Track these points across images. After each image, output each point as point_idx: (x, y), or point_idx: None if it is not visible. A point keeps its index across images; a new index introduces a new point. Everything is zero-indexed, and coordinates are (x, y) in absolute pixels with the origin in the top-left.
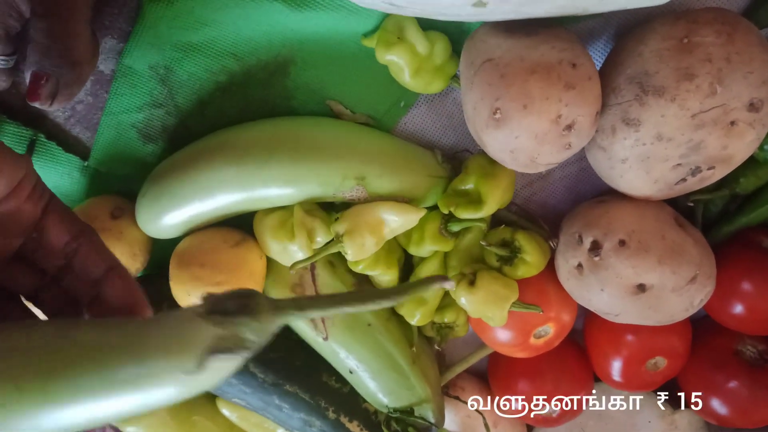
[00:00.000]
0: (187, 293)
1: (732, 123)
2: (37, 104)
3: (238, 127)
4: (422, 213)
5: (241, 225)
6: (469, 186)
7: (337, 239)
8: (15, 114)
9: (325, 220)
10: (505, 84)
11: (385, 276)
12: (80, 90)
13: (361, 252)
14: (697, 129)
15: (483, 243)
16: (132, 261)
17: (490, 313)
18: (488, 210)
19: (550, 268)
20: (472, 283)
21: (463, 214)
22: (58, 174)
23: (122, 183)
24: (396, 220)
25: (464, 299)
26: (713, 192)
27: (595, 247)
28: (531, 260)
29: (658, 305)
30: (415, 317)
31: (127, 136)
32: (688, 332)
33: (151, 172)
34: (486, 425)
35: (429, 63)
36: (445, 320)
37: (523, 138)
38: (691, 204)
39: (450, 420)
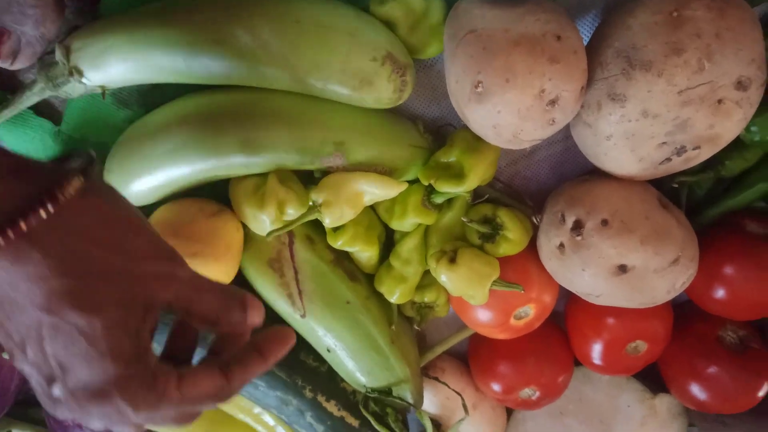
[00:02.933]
0: None
1: (719, 101)
2: None
3: (214, 90)
4: (403, 187)
5: (219, 198)
6: (452, 159)
7: (314, 207)
8: None
9: (298, 192)
10: (487, 57)
11: (365, 253)
12: (44, 49)
13: (338, 220)
14: (684, 106)
15: (464, 219)
16: None
17: (471, 291)
18: (470, 185)
19: (533, 249)
20: (452, 260)
21: (444, 187)
22: (29, 139)
23: (98, 150)
24: (375, 192)
25: (445, 277)
26: (698, 174)
27: (578, 227)
28: (513, 237)
29: (640, 286)
30: (395, 295)
31: (101, 100)
32: (669, 316)
33: (121, 135)
34: (464, 406)
35: (424, 22)
36: (426, 300)
37: (506, 113)
38: (676, 186)
39: (429, 401)
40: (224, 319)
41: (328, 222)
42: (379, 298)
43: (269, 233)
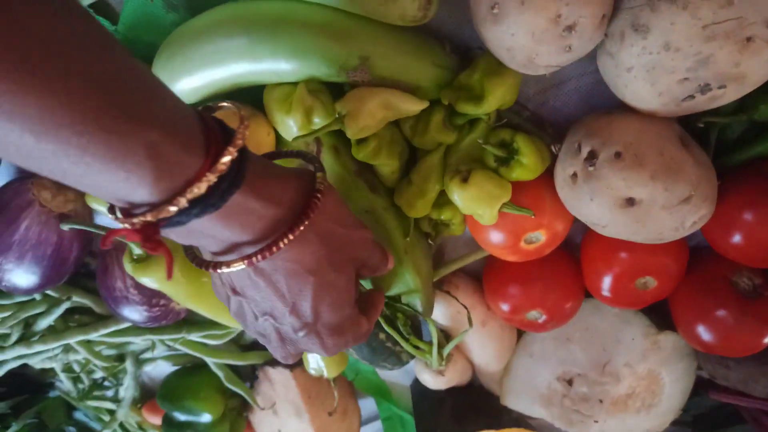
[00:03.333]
0: None
1: (748, 39)
2: None
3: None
4: (425, 104)
5: (256, 104)
6: (474, 81)
7: (339, 117)
8: None
9: (325, 102)
10: None
11: (386, 167)
12: None
13: (360, 132)
14: (708, 41)
15: (480, 141)
16: None
17: (480, 210)
18: (487, 107)
19: (550, 177)
20: (465, 179)
21: (463, 108)
22: None
23: (149, 50)
24: (398, 108)
25: (456, 195)
26: (730, 116)
27: (592, 157)
28: (527, 163)
29: (646, 221)
30: (412, 208)
31: (152, 3)
32: (683, 256)
33: (168, 37)
34: (469, 318)
35: None
36: (442, 217)
37: (520, 36)
38: (702, 126)
39: (440, 313)
40: (381, 267)
41: (350, 133)
42: (397, 211)
43: (295, 138)
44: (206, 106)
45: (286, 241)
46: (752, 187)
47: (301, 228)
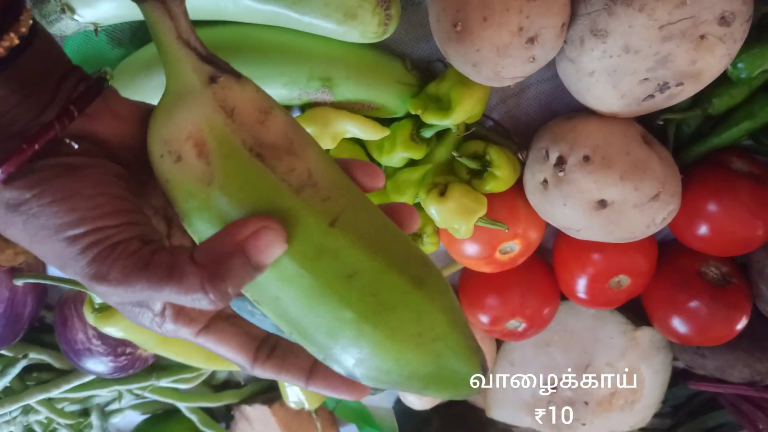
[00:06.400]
0: None
1: (702, 37)
2: None
3: (203, 25)
4: (386, 132)
5: None
6: (442, 92)
7: None
8: None
9: None
10: None
11: None
12: None
13: None
14: (665, 41)
15: (454, 154)
16: None
17: (456, 224)
18: (456, 118)
19: (521, 186)
20: (442, 193)
21: (431, 118)
22: None
23: None
24: (359, 134)
25: (433, 209)
26: (685, 111)
27: (560, 162)
28: (501, 175)
29: (619, 221)
30: None
31: (96, 39)
32: (653, 252)
33: (114, 70)
34: None
35: None
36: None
37: (485, 51)
38: (661, 123)
39: None
40: None
41: None
42: None
43: None
44: None
45: None
46: (714, 178)
47: None
